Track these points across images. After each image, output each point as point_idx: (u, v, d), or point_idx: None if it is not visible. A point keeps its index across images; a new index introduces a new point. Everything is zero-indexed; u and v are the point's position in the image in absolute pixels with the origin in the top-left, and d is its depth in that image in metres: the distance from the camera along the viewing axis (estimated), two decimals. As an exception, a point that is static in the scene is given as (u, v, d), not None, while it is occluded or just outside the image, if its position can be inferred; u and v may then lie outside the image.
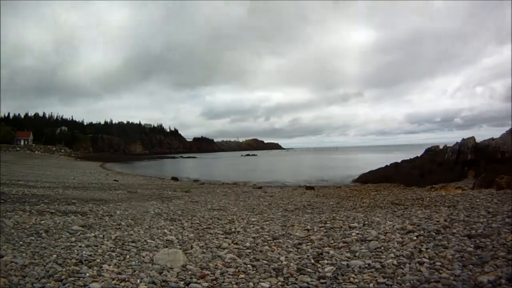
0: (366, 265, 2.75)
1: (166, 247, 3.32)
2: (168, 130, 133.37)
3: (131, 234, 3.83)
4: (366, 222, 4.60)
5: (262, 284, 2.46)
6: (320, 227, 4.49)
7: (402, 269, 2.61)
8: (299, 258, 3.07)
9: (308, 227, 4.51)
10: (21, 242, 3.15)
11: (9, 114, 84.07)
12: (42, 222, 4.20)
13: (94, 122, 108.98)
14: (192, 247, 3.40)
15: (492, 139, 16.43)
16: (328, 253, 3.18)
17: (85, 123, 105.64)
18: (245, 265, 2.86)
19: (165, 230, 4.16)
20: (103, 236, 3.67)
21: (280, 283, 2.49)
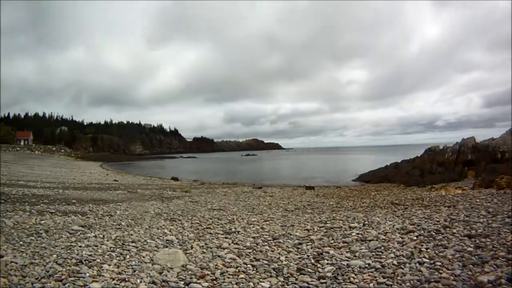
0: (366, 265, 2.75)
1: (166, 247, 3.32)
2: (168, 130, 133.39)
3: (131, 234, 3.82)
4: (366, 222, 4.60)
5: (262, 284, 2.46)
6: (320, 227, 4.49)
7: (402, 269, 2.61)
8: (299, 258, 3.07)
9: (308, 227, 4.51)
10: (21, 242, 3.15)
11: (9, 114, 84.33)
12: (42, 222, 4.20)
13: (94, 122, 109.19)
14: (192, 247, 3.40)
15: (492, 139, 16.43)
16: (328, 253, 3.18)
17: (85, 123, 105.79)
18: (245, 265, 2.86)
19: (165, 230, 4.16)
20: (103, 236, 3.66)
21: (280, 283, 2.49)
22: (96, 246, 3.20)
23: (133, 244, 3.36)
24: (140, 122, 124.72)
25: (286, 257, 3.11)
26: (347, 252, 3.20)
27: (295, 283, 2.47)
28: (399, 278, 2.45)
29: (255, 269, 2.77)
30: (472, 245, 2.99)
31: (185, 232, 4.12)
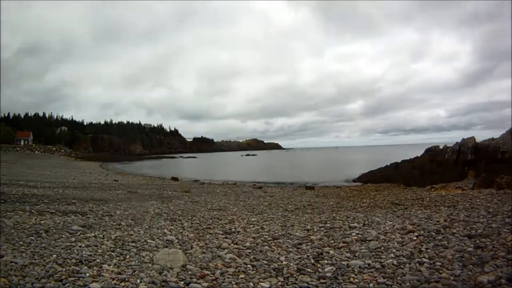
0: (366, 265, 2.75)
1: (166, 247, 3.32)
2: (168, 130, 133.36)
3: (131, 234, 3.82)
4: (366, 222, 4.60)
5: (262, 284, 2.46)
6: (320, 227, 4.49)
7: (402, 269, 2.61)
8: (299, 258, 3.07)
9: (308, 227, 4.51)
10: (21, 242, 3.15)
11: (9, 114, 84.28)
12: (42, 222, 4.20)
13: (94, 122, 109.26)
14: (192, 247, 3.40)
15: (492, 139, 16.42)
16: (328, 253, 3.18)
17: (85, 123, 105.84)
18: (245, 265, 2.86)
19: (165, 230, 4.16)
20: (103, 236, 3.66)
21: (280, 283, 2.49)
22: (96, 246, 3.20)
23: (133, 244, 3.36)
24: (140, 122, 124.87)
25: (286, 257, 3.11)
26: (347, 252, 3.20)
27: (295, 283, 2.47)
28: (399, 278, 2.45)
29: (255, 269, 2.77)
30: (472, 245, 2.99)
31: (185, 232, 4.12)
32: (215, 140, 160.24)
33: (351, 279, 2.51)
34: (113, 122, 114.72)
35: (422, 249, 3.07)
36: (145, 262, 2.82)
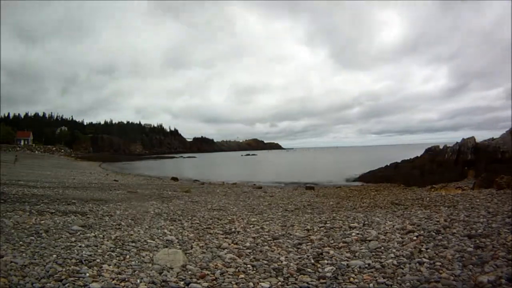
0: (366, 265, 2.75)
1: (166, 247, 3.32)
2: (168, 130, 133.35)
3: (131, 234, 3.82)
4: (366, 222, 4.59)
5: (262, 284, 2.46)
6: (320, 227, 4.49)
7: (402, 269, 2.61)
8: (299, 258, 3.07)
9: (308, 227, 4.51)
10: (21, 242, 3.15)
11: (9, 114, 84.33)
12: (42, 222, 4.20)
13: (94, 122, 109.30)
14: (192, 247, 3.40)
15: (492, 139, 16.43)
16: (328, 253, 3.18)
17: (85, 123, 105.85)
18: (245, 265, 2.86)
19: (165, 230, 4.16)
20: (103, 236, 3.67)
21: (280, 283, 2.49)
22: (96, 246, 3.20)
23: (133, 244, 3.36)
24: (140, 122, 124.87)
25: (286, 257, 3.11)
26: (347, 252, 3.20)
27: (295, 283, 2.47)
28: (399, 278, 2.45)
29: (255, 269, 2.77)
30: (472, 245, 2.99)
31: (185, 232, 4.12)
32: (215, 140, 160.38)
33: (351, 279, 2.51)
34: (113, 122, 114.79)
35: (422, 249, 3.07)
36: (145, 262, 2.82)
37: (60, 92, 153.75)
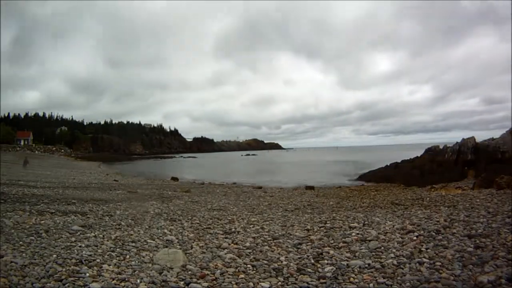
0: (366, 265, 2.75)
1: (166, 247, 3.32)
2: (168, 130, 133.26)
3: (131, 234, 3.82)
4: (366, 222, 4.59)
5: (262, 284, 2.46)
6: (320, 227, 4.49)
7: (402, 269, 2.61)
8: (299, 258, 3.07)
9: (308, 227, 4.51)
10: (21, 242, 3.15)
11: (9, 114, 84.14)
12: (42, 222, 4.20)
13: (94, 122, 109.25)
14: (192, 247, 3.40)
15: (492, 139, 16.43)
16: (328, 253, 3.18)
17: (85, 123, 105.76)
18: (245, 265, 2.86)
19: (165, 230, 4.16)
20: (103, 236, 3.67)
21: (280, 283, 2.49)
22: (96, 246, 3.20)
23: (133, 244, 3.36)
24: (140, 122, 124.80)
25: (286, 257, 3.11)
26: (347, 252, 3.20)
27: (295, 283, 2.46)
28: (399, 278, 2.45)
29: (255, 269, 2.77)
30: (472, 245, 2.99)
31: (185, 232, 4.12)
32: (215, 140, 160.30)
33: (351, 279, 2.51)
34: (113, 122, 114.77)
35: (422, 249, 3.07)
36: (145, 262, 2.82)
37: (111, 101, 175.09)
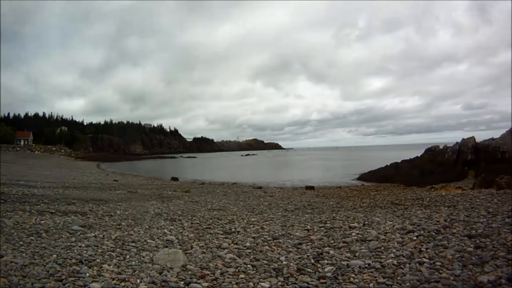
0: (366, 265, 2.75)
1: (166, 247, 3.32)
2: (168, 130, 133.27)
3: (131, 234, 3.83)
4: (366, 222, 4.60)
5: (262, 284, 2.46)
6: (320, 227, 4.49)
7: (402, 269, 2.61)
8: (299, 258, 3.07)
9: (308, 227, 4.51)
10: (21, 242, 3.15)
11: (9, 114, 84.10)
12: (42, 222, 4.20)
13: (94, 122, 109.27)
14: (192, 247, 3.40)
15: (492, 139, 16.45)
16: (328, 253, 3.18)
17: (85, 123, 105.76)
18: (245, 265, 2.86)
19: (165, 230, 4.16)
20: (103, 236, 3.66)
21: (280, 283, 2.49)
22: (96, 246, 3.20)
23: (133, 244, 3.36)
24: (140, 122, 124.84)
25: (286, 257, 3.11)
26: (347, 252, 3.21)
27: (295, 283, 2.47)
28: (399, 278, 2.45)
29: (255, 269, 2.77)
30: (472, 245, 2.99)
31: (185, 232, 4.12)
32: (215, 140, 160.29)
33: (351, 279, 2.51)
34: (113, 122, 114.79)
35: (422, 249, 3.08)
36: (145, 262, 2.83)
37: (149, 107, 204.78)
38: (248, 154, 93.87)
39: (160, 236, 3.81)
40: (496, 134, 16.09)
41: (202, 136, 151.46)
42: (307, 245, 3.52)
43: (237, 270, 2.73)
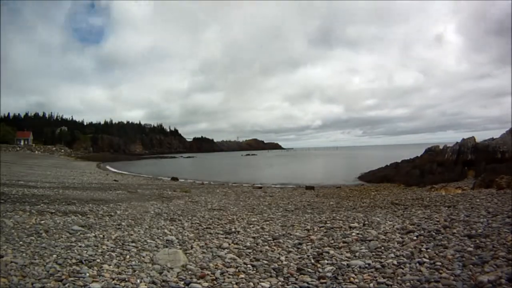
0: (366, 265, 2.75)
1: (166, 247, 3.32)
2: (168, 130, 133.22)
3: (131, 234, 3.83)
4: (366, 222, 4.60)
5: (262, 284, 2.46)
6: (320, 227, 4.49)
7: (402, 269, 2.61)
8: (299, 258, 3.07)
9: (308, 227, 4.51)
10: (21, 242, 3.15)
11: (9, 114, 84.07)
12: (42, 222, 4.20)
13: (94, 122, 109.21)
14: (192, 247, 3.40)
15: (492, 139, 16.44)
16: (328, 253, 3.18)
17: (85, 123, 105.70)
18: (245, 265, 2.86)
19: (165, 230, 4.16)
20: (103, 236, 3.66)
21: (280, 283, 2.49)
22: (96, 246, 3.20)
23: (133, 244, 3.36)
24: (140, 122, 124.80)
25: (286, 257, 3.11)
26: (347, 252, 3.21)
27: (295, 283, 2.47)
28: (399, 278, 2.45)
29: (255, 269, 2.77)
30: (472, 245, 2.99)
31: (185, 232, 4.12)
32: (215, 140, 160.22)
33: (351, 279, 2.51)
34: (113, 122, 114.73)
35: (422, 249, 3.08)
36: (145, 262, 2.83)
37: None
38: (248, 154, 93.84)
39: (160, 236, 3.81)
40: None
41: (202, 136, 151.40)
42: (307, 245, 3.52)
43: (237, 270, 2.73)
